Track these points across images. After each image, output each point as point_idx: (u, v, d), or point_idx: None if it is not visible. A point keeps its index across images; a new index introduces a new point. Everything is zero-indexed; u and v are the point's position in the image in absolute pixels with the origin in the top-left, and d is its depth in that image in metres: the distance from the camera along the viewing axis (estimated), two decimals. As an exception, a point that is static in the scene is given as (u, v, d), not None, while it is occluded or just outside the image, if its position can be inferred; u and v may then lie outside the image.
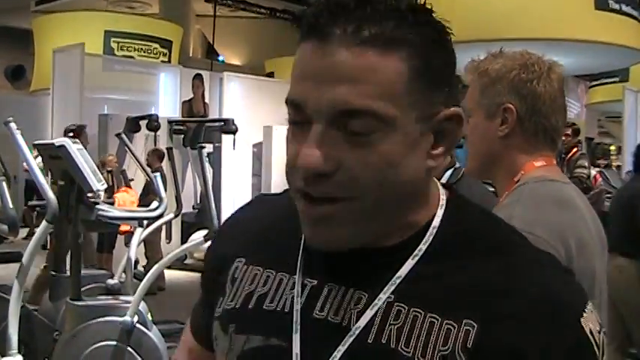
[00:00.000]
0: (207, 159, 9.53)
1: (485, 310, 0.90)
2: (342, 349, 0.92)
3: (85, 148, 8.60)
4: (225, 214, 11.05)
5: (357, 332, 0.92)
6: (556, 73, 1.79)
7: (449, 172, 2.79)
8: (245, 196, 12.63)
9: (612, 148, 22.93)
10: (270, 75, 17.40)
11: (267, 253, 1.05)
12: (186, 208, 9.70)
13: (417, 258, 0.95)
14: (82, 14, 15.42)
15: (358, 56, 0.87)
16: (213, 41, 19.61)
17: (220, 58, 21.02)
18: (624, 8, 9.94)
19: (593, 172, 9.43)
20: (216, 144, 11.01)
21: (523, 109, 1.74)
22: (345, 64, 0.88)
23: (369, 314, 0.93)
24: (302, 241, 1.01)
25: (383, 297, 0.93)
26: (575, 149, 8.54)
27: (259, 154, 12.49)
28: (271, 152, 12.40)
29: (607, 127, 24.91)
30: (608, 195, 10.16)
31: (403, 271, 0.94)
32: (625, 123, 13.81)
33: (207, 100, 12.99)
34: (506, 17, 9.04)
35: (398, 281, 0.94)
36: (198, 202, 11.82)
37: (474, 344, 0.89)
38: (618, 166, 15.48)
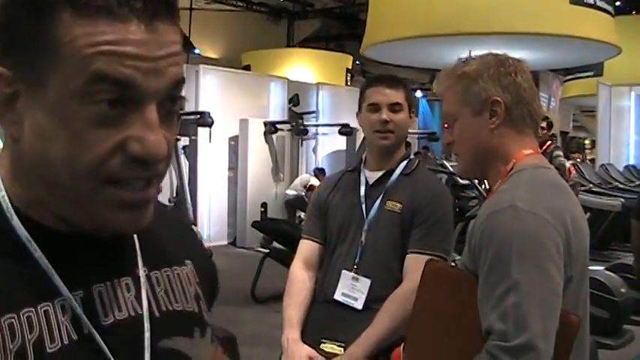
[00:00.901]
0: (183, 152, 9.51)
1: (185, 248, 1.09)
2: (147, 335, 0.94)
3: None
4: (201, 207, 10.91)
5: (148, 315, 0.94)
6: (526, 66, 1.92)
7: (404, 163, 2.79)
8: (221, 189, 12.60)
9: (587, 142, 23.14)
10: (247, 68, 17.36)
11: (3, 293, 0.85)
12: (163, 201, 9.64)
13: None
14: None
15: (175, 33, 0.89)
16: (189, 34, 19.51)
17: (196, 50, 20.92)
18: (598, 3, 10.02)
19: (567, 164, 9.51)
20: (192, 137, 10.96)
21: (509, 98, 1.84)
22: (173, 42, 0.88)
23: (144, 294, 0.96)
24: (42, 258, 0.88)
25: (143, 273, 0.97)
26: (549, 142, 8.61)
27: (235, 147, 12.47)
28: (247, 145, 12.37)
29: (581, 121, 25.11)
30: (582, 188, 10.25)
31: (136, 242, 0.98)
32: (599, 117, 13.93)
33: (183, 93, 12.95)
34: (483, 12, 9.07)
35: (139, 253, 0.98)
36: (175, 195, 11.78)
37: (195, 277, 1.07)
38: (592, 160, 15.62)
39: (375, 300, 2.66)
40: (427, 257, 2.42)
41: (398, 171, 2.77)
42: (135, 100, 0.84)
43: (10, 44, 0.85)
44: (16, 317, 0.83)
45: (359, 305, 2.68)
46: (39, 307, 0.85)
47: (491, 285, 1.66)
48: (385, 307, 2.59)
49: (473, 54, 1.97)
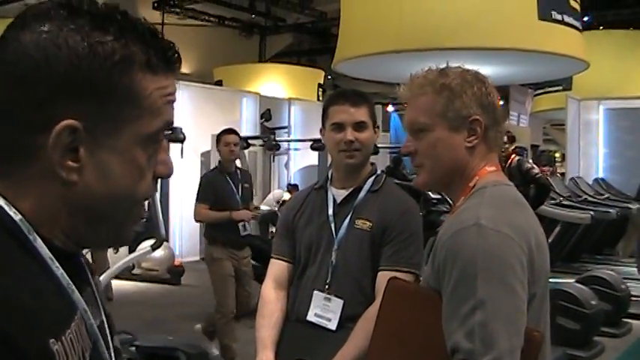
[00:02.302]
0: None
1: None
2: (109, 337, 1.08)
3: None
4: (173, 223, 10.77)
5: (105, 318, 1.09)
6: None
7: (371, 180, 2.78)
8: (193, 205, 12.51)
9: (557, 155, 23.32)
10: (219, 83, 17.31)
11: (55, 315, 0.94)
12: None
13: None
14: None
15: None
16: (160, 49, 19.48)
17: (168, 66, 20.93)
18: (566, 19, 10.14)
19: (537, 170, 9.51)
20: (164, 152, 10.93)
21: (487, 120, 1.84)
22: None
23: (99, 301, 1.08)
24: (63, 275, 0.96)
25: (93, 283, 1.09)
26: (513, 156, 8.61)
27: (207, 162, 12.42)
28: (220, 161, 12.34)
29: (552, 134, 25.33)
30: (552, 201, 10.32)
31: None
32: (568, 131, 14.06)
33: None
34: (453, 27, 9.15)
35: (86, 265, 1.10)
36: (146, 211, 11.71)
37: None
38: (562, 173, 15.74)
39: (348, 319, 2.63)
40: (399, 274, 2.43)
41: (366, 188, 2.75)
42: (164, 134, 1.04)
43: (85, 97, 0.93)
44: (72, 332, 0.94)
45: (332, 326, 2.67)
46: (75, 319, 0.96)
47: (457, 303, 1.65)
48: (359, 326, 2.57)
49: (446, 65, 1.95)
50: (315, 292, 2.70)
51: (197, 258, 12.41)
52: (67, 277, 0.95)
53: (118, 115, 0.95)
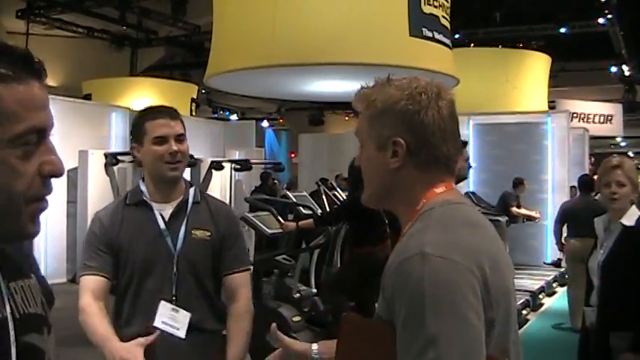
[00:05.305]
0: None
1: (28, 264, 1.38)
2: (12, 332, 1.23)
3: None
4: (38, 244, 10.33)
5: (11, 317, 1.24)
6: (445, 100, 1.75)
7: (192, 191, 2.91)
8: (59, 224, 12.06)
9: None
10: (87, 97, 16.87)
11: None
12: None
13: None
14: None
15: None
16: (25, 61, 18.79)
17: (34, 78, 20.22)
18: (437, 36, 10.32)
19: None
20: (28, 169, 10.44)
21: (412, 142, 1.70)
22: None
23: (6, 301, 1.24)
24: None
25: (3, 284, 1.26)
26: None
27: (74, 179, 12.01)
28: (87, 178, 11.93)
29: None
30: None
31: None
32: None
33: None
34: (326, 43, 9.15)
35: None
36: None
37: (38, 287, 1.36)
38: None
39: (196, 330, 2.75)
40: (245, 272, 2.88)
41: (191, 200, 2.86)
42: (44, 136, 1.19)
43: None
44: None
45: (182, 334, 2.73)
46: None
47: (408, 341, 1.51)
48: (236, 327, 2.79)
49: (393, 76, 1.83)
50: (163, 302, 2.75)
51: (64, 279, 11.94)
52: None
53: None
